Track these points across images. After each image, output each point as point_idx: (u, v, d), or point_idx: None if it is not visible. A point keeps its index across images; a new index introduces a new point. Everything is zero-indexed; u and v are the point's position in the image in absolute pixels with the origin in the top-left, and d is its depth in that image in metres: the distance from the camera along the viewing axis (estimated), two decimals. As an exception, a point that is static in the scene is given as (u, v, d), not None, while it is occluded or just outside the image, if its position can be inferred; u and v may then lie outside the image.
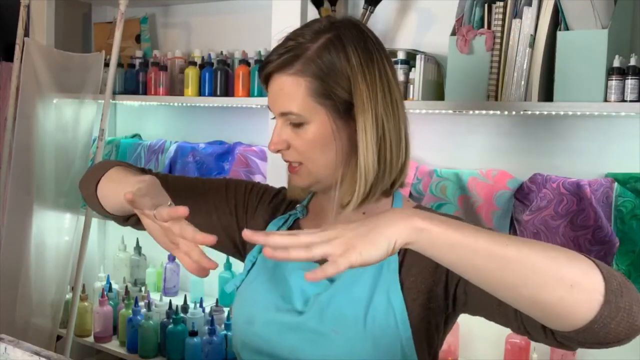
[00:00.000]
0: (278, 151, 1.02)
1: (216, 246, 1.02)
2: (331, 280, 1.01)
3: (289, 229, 1.11)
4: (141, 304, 2.35)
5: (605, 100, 1.55)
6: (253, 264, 1.11)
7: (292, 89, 0.98)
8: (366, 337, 0.96)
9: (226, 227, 1.16)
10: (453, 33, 1.75)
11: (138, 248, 2.57)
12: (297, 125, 0.99)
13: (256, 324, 1.05)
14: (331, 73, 0.98)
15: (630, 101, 1.52)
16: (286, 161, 1.04)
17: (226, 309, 2.22)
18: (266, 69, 1.01)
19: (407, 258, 1.01)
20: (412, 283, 0.99)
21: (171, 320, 2.20)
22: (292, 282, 1.04)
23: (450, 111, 1.87)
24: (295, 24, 1.91)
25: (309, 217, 1.13)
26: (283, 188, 1.21)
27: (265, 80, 1.02)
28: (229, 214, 1.16)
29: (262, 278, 1.09)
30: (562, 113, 1.69)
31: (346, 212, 1.04)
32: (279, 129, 1.01)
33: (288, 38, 1.00)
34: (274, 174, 2.02)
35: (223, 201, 1.17)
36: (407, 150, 1.06)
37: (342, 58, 0.98)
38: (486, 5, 1.72)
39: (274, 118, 1.03)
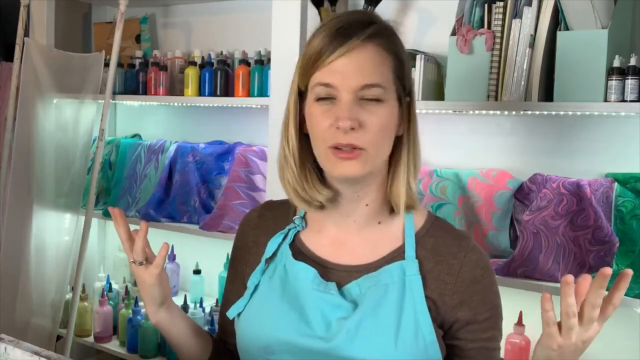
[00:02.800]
0: (352, 129, 0.92)
1: None
2: (353, 302, 0.97)
3: (291, 244, 1.05)
4: (141, 304, 2.35)
5: (605, 100, 1.55)
6: (256, 287, 1.04)
7: (381, 59, 0.95)
8: None
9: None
10: (453, 33, 1.75)
11: (138, 248, 2.56)
12: (376, 101, 0.94)
13: (277, 353, 0.98)
14: (406, 58, 0.99)
15: (630, 101, 1.52)
16: (346, 146, 0.93)
17: (226, 309, 2.21)
18: (351, 36, 0.93)
19: (428, 273, 0.98)
20: (435, 300, 0.97)
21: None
22: (310, 304, 0.98)
23: (450, 111, 1.87)
24: (295, 24, 1.92)
25: (310, 229, 1.07)
26: (260, 208, 1.16)
27: (338, 49, 0.93)
28: (241, 275, 1.12)
29: (273, 301, 1.01)
30: (562, 113, 1.69)
31: (364, 219, 1.02)
32: (350, 104, 0.92)
33: (360, 12, 0.98)
34: (273, 173, 2.01)
35: (235, 272, 1.15)
36: None
37: (403, 48, 0.99)
38: (486, 5, 1.72)
39: (325, 99, 0.94)
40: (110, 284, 2.52)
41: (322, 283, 0.99)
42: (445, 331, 0.99)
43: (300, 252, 1.04)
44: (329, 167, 0.96)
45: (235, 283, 1.13)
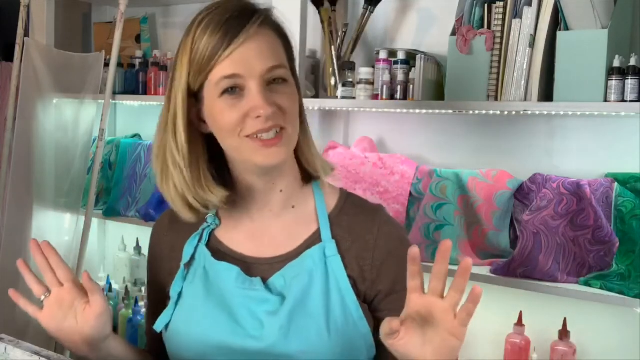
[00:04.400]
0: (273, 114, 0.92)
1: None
2: (280, 295, 0.96)
3: (208, 244, 1.02)
4: (141, 304, 2.35)
5: (605, 100, 1.55)
6: (179, 294, 1.00)
7: (275, 43, 0.96)
8: (332, 348, 0.94)
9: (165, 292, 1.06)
10: (453, 33, 1.75)
11: (138, 248, 2.57)
12: (282, 82, 0.94)
13: (211, 359, 0.96)
14: (289, 38, 1.01)
15: (630, 101, 1.52)
16: (268, 130, 0.92)
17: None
18: (244, 25, 0.92)
19: (346, 252, 0.99)
20: (356, 278, 0.98)
21: (171, 320, 2.20)
22: (237, 303, 0.96)
23: (450, 111, 1.87)
24: (295, 24, 1.92)
25: (225, 226, 1.04)
26: (170, 211, 1.06)
27: (235, 39, 0.92)
28: (161, 285, 1.08)
29: (199, 306, 0.98)
30: (562, 113, 1.69)
31: (279, 206, 1.01)
32: (261, 91, 0.91)
33: (236, 0, 0.96)
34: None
35: (157, 282, 1.10)
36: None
37: (286, 29, 1.01)
38: (486, 5, 1.72)
39: (227, 91, 0.92)
40: (110, 284, 2.52)
41: (247, 280, 0.97)
42: (369, 304, 1.00)
43: (218, 251, 1.02)
44: (250, 157, 0.93)
45: (156, 296, 1.09)
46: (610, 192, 1.65)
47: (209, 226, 1.04)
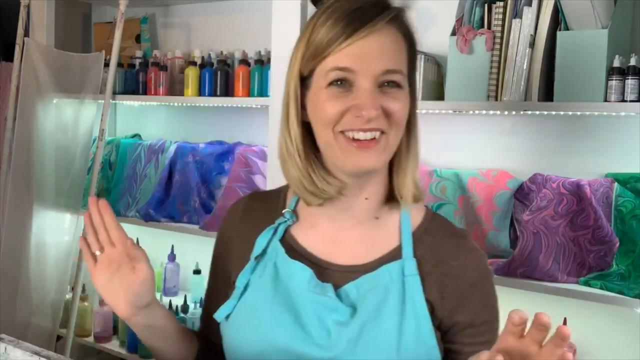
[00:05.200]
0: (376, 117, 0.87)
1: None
2: (352, 306, 0.91)
3: (281, 239, 0.98)
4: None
5: (605, 100, 1.55)
6: (246, 287, 0.97)
7: (399, 45, 0.90)
8: None
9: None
10: (453, 33, 1.75)
11: (138, 248, 2.57)
12: (394, 87, 0.88)
13: (270, 359, 0.92)
14: (416, 42, 0.94)
15: (630, 101, 1.52)
16: (371, 129, 0.87)
17: (226, 309, 2.21)
18: (370, 19, 0.86)
19: (427, 275, 0.93)
20: (434, 303, 0.92)
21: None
22: (305, 307, 0.92)
23: (450, 111, 1.87)
24: (295, 24, 1.92)
25: (302, 224, 1.00)
26: (246, 199, 1.06)
27: (356, 28, 0.86)
28: (225, 272, 1.04)
29: (266, 303, 0.94)
30: (562, 113, 1.69)
31: (363, 213, 0.96)
32: (372, 90, 0.86)
33: None
34: (273, 173, 2.02)
35: (221, 268, 1.06)
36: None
37: (415, 33, 0.94)
38: (486, 5, 1.72)
39: (335, 83, 0.88)
40: (110, 284, 2.52)
41: (319, 284, 0.92)
42: (443, 333, 0.95)
43: (292, 249, 0.97)
44: (340, 156, 0.89)
45: (218, 281, 1.06)
46: (610, 192, 1.65)
47: (285, 221, 0.99)
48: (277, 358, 0.91)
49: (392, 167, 0.95)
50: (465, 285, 0.93)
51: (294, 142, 0.93)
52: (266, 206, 1.04)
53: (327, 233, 0.97)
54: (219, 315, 0.97)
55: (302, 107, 0.93)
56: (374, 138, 0.87)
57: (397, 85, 0.89)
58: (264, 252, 0.98)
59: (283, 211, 1.00)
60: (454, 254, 0.94)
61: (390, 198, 0.97)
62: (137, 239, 2.54)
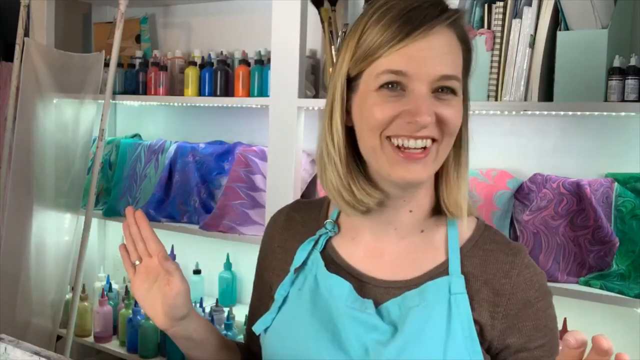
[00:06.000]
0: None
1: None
2: (392, 325, 0.85)
3: (322, 252, 0.94)
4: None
5: (606, 100, 1.55)
6: (285, 299, 0.93)
7: (456, 49, 0.84)
8: None
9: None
10: (453, 33, 1.75)
11: (138, 248, 2.56)
12: (449, 93, 0.83)
13: None
14: (472, 49, 0.88)
15: (630, 101, 1.52)
16: (422, 137, 0.82)
17: (226, 309, 2.22)
18: (427, 20, 0.81)
19: (475, 293, 0.87)
20: (483, 324, 0.86)
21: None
22: (344, 323, 0.87)
23: (450, 111, 1.87)
24: (295, 24, 1.92)
25: (343, 236, 0.95)
26: (288, 209, 1.04)
27: (413, 29, 0.81)
28: (267, 284, 1.01)
29: (304, 317, 0.90)
30: (562, 113, 1.69)
31: (407, 227, 0.91)
32: (427, 96, 0.81)
33: None
34: (273, 174, 2.02)
35: (262, 279, 1.04)
36: None
37: (471, 38, 0.89)
38: (486, 5, 1.72)
39: (387, 86, 0.82)
40: (110, 284, 2.52)
41: (358, 300, 0.87)
42: (493, 357, 0.88)
43: (333, 262, 0.93)
44: (385, 165, 0.83)
45: (261, 293, 1.03)
46: (610, 192, 1.65)
47: (326, 232, 0.95)
48: None
49: (440, 178, 0.91)
50: (518, 305, 0.86)
51: (336, 147, 0.87)
52: (308, 216, 1.00)
53: (369, 246, 0.93)
54: (257, 327, 0.94)
55: (347, 111, 0.88)
56: (425, 147, 0.83)
57: (452, 91, 0.84)
58: (304, 264, 0.94)
59: (325, 222, 0.96)
60: (506, 269, 0.87)
61: (437, 211, 0.92)
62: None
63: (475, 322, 0.85)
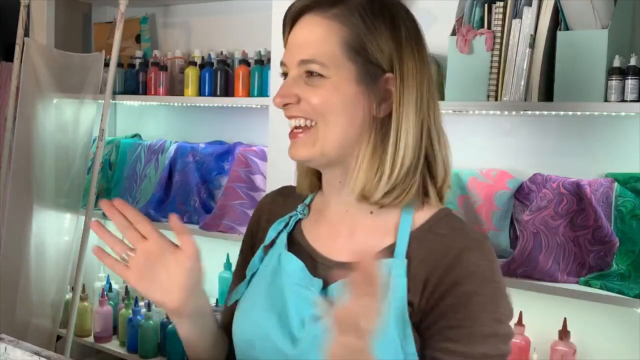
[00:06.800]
0: (284, 105, 0.88)
1: None
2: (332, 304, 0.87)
3: (289, 233, 0.98)
4: (141, 304, 2.35)
5: (605, 100, 1.55)
6: (253, 275, 0.99)
7: (324, 33, 0.87)
8: None
9: None
10: (453, 33, 1.75)
11: (138, 248, 2.56)
12: (317, 76, 0.86)
13: (257, 349, 0.92)
14: (373, 32, 0.87)
15: (630, 101, 1.52)
16: (290, 117, 0.89)
17: (226, 309, 2.22)
18: (297, 6, 0.89)
19: (415, 275, 0.86)
20: (416, 304, 0.86)
21: (171, 320, 2.20)
22: (290, 299, 0.91)
23: (450, 111, 1.87)
24: (295, 24, 1.91)
25: (311, 219, 0.99)
26: (274, 192, 1.09)
27: (292, 21, 0.90)
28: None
29: (261, 292, 0.95)
30: (562, 113, 1.69)
31: (356, 208, 0.92)
32: (290, 80, 0.89)
33: None
34: (273, 174, 2.02)
35: (243, 250, 1.09)
36: (449, 151, 0.94)
37: (389, 23, 0.88)
38: (486, 5, 1.72)
39: (284, 75, 0.91)
40: (110, 284, 2.52)
41: (307, 278, 0.91)
42: (423, 340, 0.87)
43: (295, 243, 0.97)
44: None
45: (240, 270, 1.06)
46: (610, 192, 1.65)
47: (296, 215, 0.99)
48: (261, 345, 0.91)
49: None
50: (447, 286, 0.84)
51: None
52: (290, 200, 1.04)
53: (328, 228, 0.96)
54: (230, 299, 0.99)
55: None
56: (299, 127, 0.89)
57: (318, 75, 0.86)
58: (273, 243, 0.99)
59: (298, 205, 1.01)
60: (447, 250, 0.86)
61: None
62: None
63: (410, 303, 0.85)
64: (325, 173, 0.95)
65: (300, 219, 1.00)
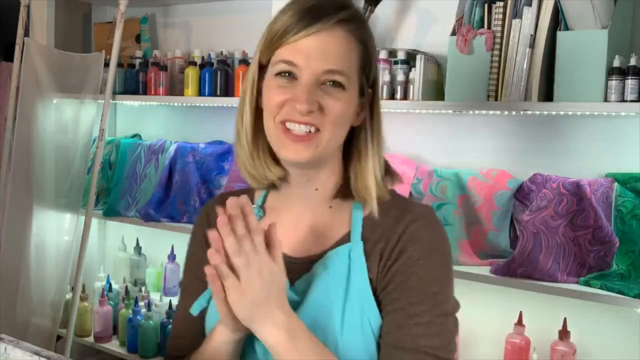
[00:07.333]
0: (309, 112, 0.90)
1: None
2: (303, 297, 0.92)
3: None
4: (141, 304, 2.35)
5: (605, 100, 1.55)
6: None
7: (349, 47, 0.92)
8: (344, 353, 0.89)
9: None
10: (453, 33, 1.75)
11: (138, 248, 2.57)
12: (338, 87, 0.91)
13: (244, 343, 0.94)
14: (373, 52, 0.97)
15: (630, 101, 1.52)
16: (304, 123, 0.91)
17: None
18: (321, 18, 0.90)
19: (370, 253, 0.94)
20: (374, 280, 0.93)
21: (171, 320, 2.20)
22: None
23: (450, 111, 1.87)
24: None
25: (268, 218, 1.01)
26: (216, 202, 1.05)
27: (306, 28, 0.90)
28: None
29: None
30: (562, 113, 1.69)
31: (317, 204, 0.98)
32: (312, 87, 0.90)
33: None
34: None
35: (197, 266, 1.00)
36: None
37: (374, 42, 0.98)
38: (486, 5, 1.72)
39: (283, 74, 0.92)
40: (110, 284, 2.52)
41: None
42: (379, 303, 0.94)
43: None
44: (277, 145, 0.93)
45: (197, 287, 1.01)
46: (610, 192, 1.65)
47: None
48: (246, 342, 0.93)
49: (350, 163, 0.98)
50: (395, 256, 0.92)
51: (244, 126, 0.96)
52: None
53: (287, 225, 0.99)
54: (194, 309, 0.96)
55: (259, 93, 0.97)
56: (309, 132, 0.91)
57: (340, 85, 0.91)
58: None
59: (252, 206, 0.99)
60: (396, 227, 0.94)
61: (345, 190, 0.99)
62: (137, 238, 2.55)
63: (370, 281, 0.92)
64: (296, 171, 0.97)
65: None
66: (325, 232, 0.98)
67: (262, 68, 0.96)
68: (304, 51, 0.91)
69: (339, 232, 0.98)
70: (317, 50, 0.90)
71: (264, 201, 1.04)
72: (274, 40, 0.93)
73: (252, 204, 1.03)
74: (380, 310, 0.92)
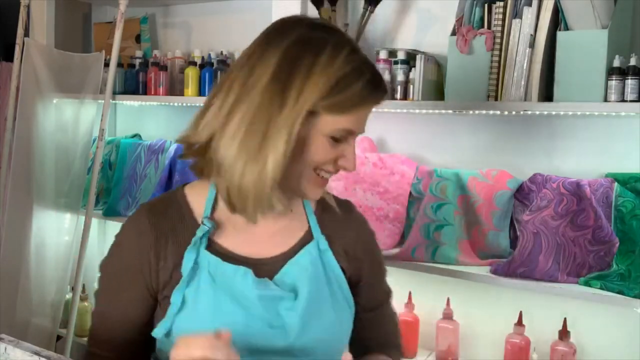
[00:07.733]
0: None
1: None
2: (293, 291, 1.01)
3: (207, 247, 1.00)
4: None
5: (605, 100, 1.55)
6: (183, 301, 0.97)
7: None
8: (341, 334, 1.06)
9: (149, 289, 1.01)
10: (453, 33, 1.75)
11: (138, 248, 2.56)
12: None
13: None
14: None
15: (630, 101, 1.52)
16: (329, 171, 1.01)
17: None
18: (385, 90, 1.01)
19: (333, 247, 1.08)
20: (344, 264, 1.09)
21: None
22: (255, 304, 0.97)
23: (450, 111, 1.87)
24: (295, 24, 1.91)
25: (222, 230, 1.02)
26: (146, 218, 1.02)
27: (378, 103, 1.00)
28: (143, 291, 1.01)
29: (210, 311, 0.96)
30: (562, 113, 1.69)
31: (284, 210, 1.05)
32: (354, 147, 1.01)
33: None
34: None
35: (143, 293, 1.02)
36: None
37: None
38: (486, 5, 1.72)
39: (344, 139, 0.97)
40: (110, 284, 2.52)
41: (258, 281, 0.99)
42: (352, 288, 1.10)
43: (223, 255, 1.00)
44: (306, 187, 1.00)
45: (140, 302, 1.01)
46: (610, 192, 1.65)
47: (208, 230, 1.00)
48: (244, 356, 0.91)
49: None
50: (362, 246, 1.13)
51: (271, 172, 0.93)
52: (171, 218, 1.02)
53: (250, 233, 1.04)
54: (157, 332, 0.97)
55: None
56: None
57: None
58: (196, 264, 0.98)
59: (202, 220, 1.00)
60: (348, 224, 1.13)
61: None
62: None
63: (341, 268, 1.08)
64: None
65: (210, 234, 1.01)
66: (289, 232, 1.07)
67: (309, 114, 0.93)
68: (363, 120, 0.99)
69: (300, 229, 1.08)
70: (364, 116, 0.99)
71: (211, 212, 1.02)
72: (345, 106, 0.93)
73: (191, 215, 1.02)
74: (353, 293, 1.09)
